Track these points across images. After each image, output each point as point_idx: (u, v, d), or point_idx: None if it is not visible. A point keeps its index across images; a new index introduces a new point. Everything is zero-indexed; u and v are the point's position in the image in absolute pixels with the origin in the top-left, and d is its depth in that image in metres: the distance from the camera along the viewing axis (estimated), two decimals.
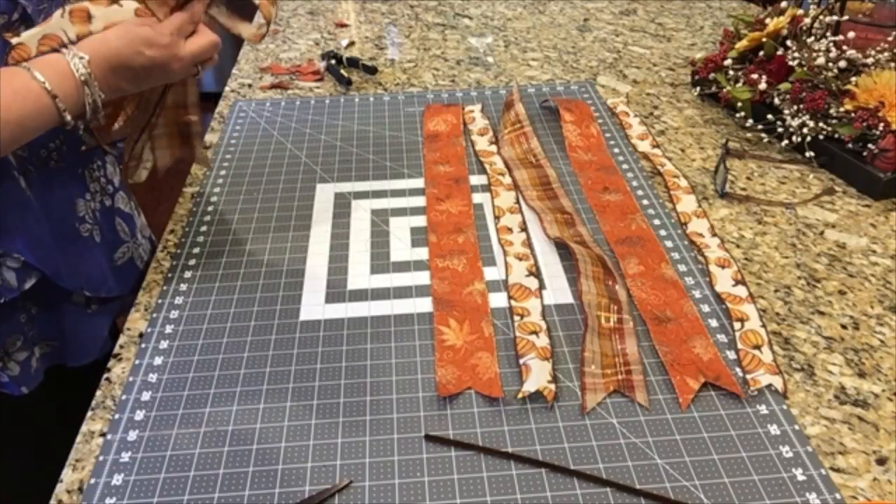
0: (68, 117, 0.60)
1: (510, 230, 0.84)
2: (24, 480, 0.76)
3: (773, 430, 0.60)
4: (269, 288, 0.76)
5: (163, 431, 0.61)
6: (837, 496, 0.55)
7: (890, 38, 0.98)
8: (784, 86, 0.99)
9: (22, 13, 0.63)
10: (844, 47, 0.97)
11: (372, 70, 1.24)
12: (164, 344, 0.69)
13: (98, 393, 0.65)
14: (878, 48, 0.97)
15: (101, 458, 0.59)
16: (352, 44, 1.40)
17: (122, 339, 0.71)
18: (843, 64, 0.96)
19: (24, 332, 0.70)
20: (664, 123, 1.09)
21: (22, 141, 0.60)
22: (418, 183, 0.94)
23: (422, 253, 0.81)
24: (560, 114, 1.07)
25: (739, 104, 1.03)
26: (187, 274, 0.78)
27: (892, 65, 0.95)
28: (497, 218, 0.87)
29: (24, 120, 0.57)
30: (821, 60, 0.97)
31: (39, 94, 0.58)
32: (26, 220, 0.66)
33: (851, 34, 0.97)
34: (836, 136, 0.94)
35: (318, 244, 0.83)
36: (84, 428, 0.62)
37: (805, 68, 0.98)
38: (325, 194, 0.92)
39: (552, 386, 0.63)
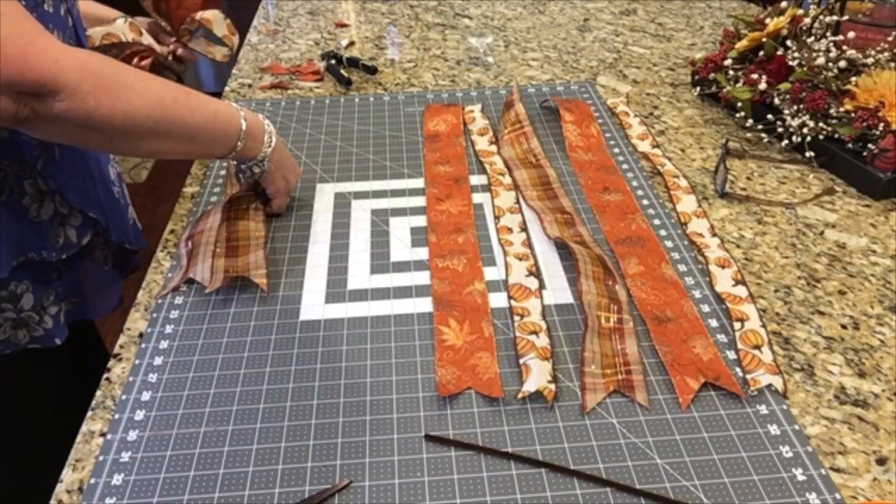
0: (239, 146, 0.76)
1: (510, 230, 0.84)
2: (24, 480, 0.76)
3: (773, 430, 0.60)
4: (269, 287, 0.76)
5: (163, 431, 0.61)
6: (837, 496, 0.55)
7: (890, 38, 0.98)
8: (784, 86, 0.99)
9: None
10: (844, 47, 0.97)
11: (372, 70, 1.24)
12: (164, 344, 0.69)
13: (98, 393, 0.65)
14: (878, 48, 0.97)
15: (100, 457, 0.59)
16: (352, 44, 1.40)
17: (122, 339, 0.71)
18: (843, 64, 0.96)
19: (56, 288, 0.76)
20: (664, 123, 1.09)
21: (195, 143, 0.73)
22: (418, 183, 0.94)
23: (422, 253, 0.81)
24: (560, 114, 1.07)
25: (739, 104, 1.03)
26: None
27: (892, 65, 0.95)
28: (497, 218, 0.87)
29: (209, 122, 0.72)
30: (821, 60, 0.97)
31: (234, 118, 0.76)
32: (85, 182, 0.76)
33: (851, 34, 0.97)
34: (836, 136, 0.94)
35: (317, 244, 0.83)
36: (84, 428, 0.62)
37: (805, 68, 0.98)
38: (325, 194, 0.92)
39: (552, 386, 0.63)
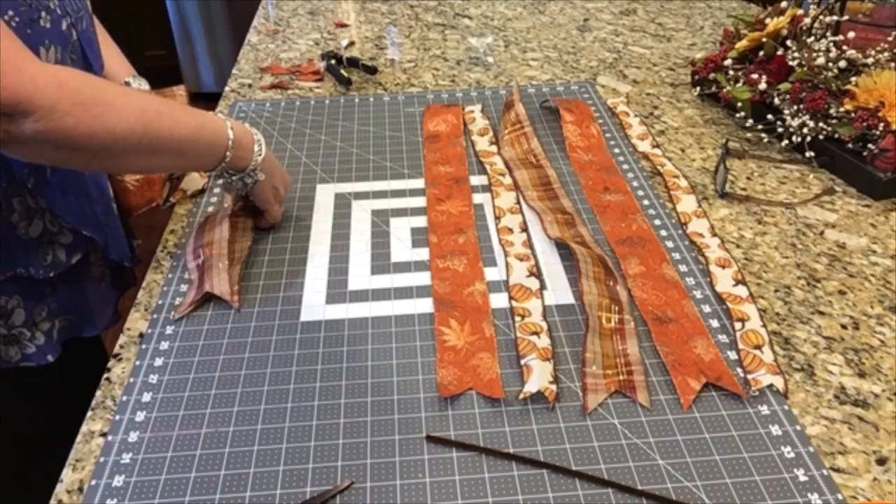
0: (228, 157, 0.73)
1: (511, 230, 0.84)
2: (25, 480, 0.76)
3: (775, 430, 0.60)
4: (270, 289, 0.76)
5: (164, 433, 0.61)
6: (839, 497, 0.55)
7: (890, 38, 0.98)
8: (784, 86, 0.99)
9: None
10: (844, 47, 0.97)
11: (372, 70, 1.24)
12: (164, 345, 0.69)
13: (98, 393, 0.65)
14: (878, 48, 0.97)
15: (101, 459, 0.58)
16: (352, 44, 1.40)
17: (122, 340, 0.71)
18: (843, 64, 0.96)
19: (48, 304, 0.75)
20: (664, 123, 1.09)
21: (182, 156, 0.71)
22: (419, 183, 0.94)
23: (422, 253, 0.81)
24: (560, 114, 1.07)
25: (739, 104, 1.03)
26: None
27: (892, 65, 0.95)
28: (497, 218, 0.87)
29: (197, 134, 0.70)
30: (821, 60, 0.97)
31: (221, 128, 0.73)
32: (80, 201, 0.75)
33: (851, 34, 0.97)
34: (836, 136, 0.94)
35: (318, 245, 0.83)
36: (84, 428, 0.62)
37: (805, 68, 0.98)
38: (325, 195, 0.92)
39: (553, 387, 0.63)
